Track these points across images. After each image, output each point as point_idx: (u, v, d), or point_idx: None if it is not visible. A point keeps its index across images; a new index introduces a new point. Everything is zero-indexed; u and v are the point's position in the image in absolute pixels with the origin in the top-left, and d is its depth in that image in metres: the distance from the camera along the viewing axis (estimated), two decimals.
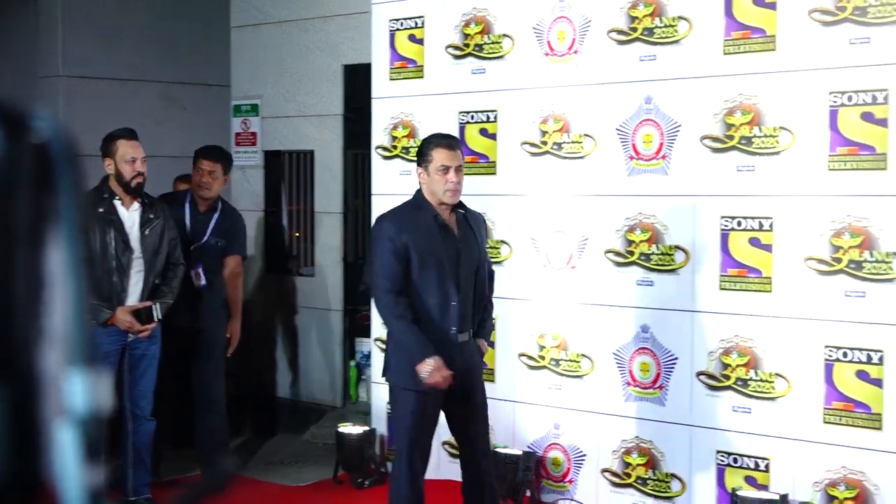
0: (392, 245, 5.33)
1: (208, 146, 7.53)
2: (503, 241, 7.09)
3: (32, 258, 1.06)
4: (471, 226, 5.54)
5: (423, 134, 7.29)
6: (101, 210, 6.29)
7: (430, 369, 5.25)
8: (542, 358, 6.99)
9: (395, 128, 7.58)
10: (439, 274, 5.37)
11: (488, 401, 5.79)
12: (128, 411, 6.54)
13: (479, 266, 5.51)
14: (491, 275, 5.69)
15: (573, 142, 6.79)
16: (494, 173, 7.18)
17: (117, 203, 6.39)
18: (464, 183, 5.51)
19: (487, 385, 6.97)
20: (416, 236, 5.37)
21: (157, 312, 6.56)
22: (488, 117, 7.19)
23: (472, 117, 7.26)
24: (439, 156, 5.38)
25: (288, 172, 9.28)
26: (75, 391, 1.07)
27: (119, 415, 6.51)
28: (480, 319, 5.61)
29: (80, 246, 1.09)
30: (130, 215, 6.47)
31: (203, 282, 7.26)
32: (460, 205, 5.54)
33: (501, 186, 7.13)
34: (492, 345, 7.09)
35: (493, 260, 6.95)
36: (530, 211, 7.01)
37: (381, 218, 5.69)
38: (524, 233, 7.01)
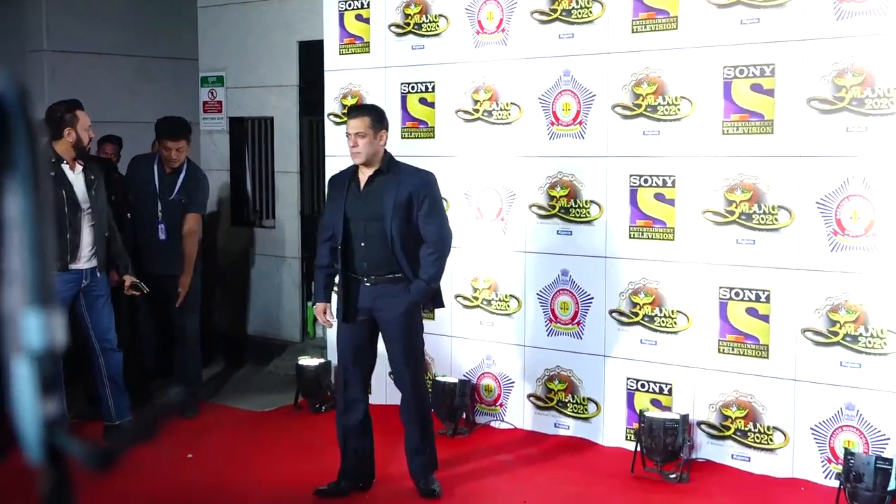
0: (328, 200, 5.58)
1: (169, 124, 7.25)
2: (441, 198, 7.04)
3: None
4: (391, 185, 5.41)
5: (370, 102, 7.25)
6: (52, 174, 6.06)
7: (317, 311, 5.63)
8: (476, 298, 6.99)
9: (344, 97, 7.50)
10: (345, 225, 5.42)
11: (432, 336, 5.78)
12: (97, 347, 6.44)
13: (384, 219, 5.37)
14: (432, 232, 5.45)
15: (501, 109, 6.76)
16: (433, 137, 7.14)
17: (65, 167, 6.22)
18: (376, 146, 5.37)
19: (428, 323, 6.95)
20: (335, 192, 5.53)
21: (131, 280, 6.65)
22: (427, 87, 7.13)
23: (413, 88, 7.20)
24: (347, 126, 5.45)
25: (250, 137, 9.17)
26: (31, 329, 1.04)
27: (87, 352, 6.40)
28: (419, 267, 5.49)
29: (35, 193, 1.05)
30: (76, 177, 6.32)
31: (164, 236, 7.22)
32: (389, 166, 5.44)
33: (439, 149, 7.08)
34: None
35: None
36: (464, 170, 6.97)
37: None
38: (459, 189, 6.98)
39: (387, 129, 5.48)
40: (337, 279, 5.59)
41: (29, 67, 9.23)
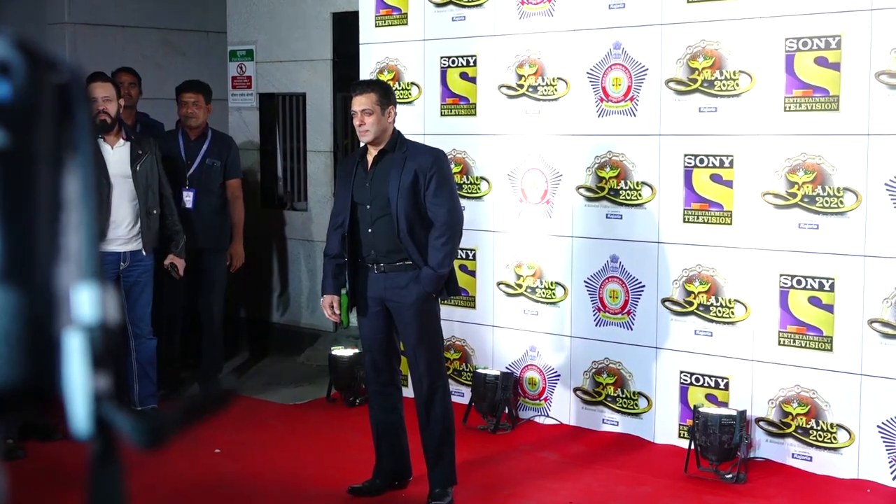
0: (336, 184, 5.69)
1: (186, 80, 7.70)
2: (483, 178, 7.07)
3: (54, 183, 1.10)
4: (397, 165, 5.44)
5: (408, 77, 7.34)
6: None
7: (324, 305, 5.67)
8: (520, 286, 6.99)
9: (380, 72, 7.51)
10: (352, 210, 5.48)
11: (472, 326, 5.78)
12: (130, 332, 6.62)
13: (389, 202, 5.40)
14: (439, 213, 5.40)
15: (547, 85, 6.75)
16: (474, 114, 7.14)
17: (99, 142, 6.34)
18: (385, 123, 5.42)
19: (468, 311, 7.04)
20: (343, 175, 5.60)
21: (179, 262, 6.92)
22: (468, 62, 7.13)
23: (453, 62, 7.20)
24: (352, 103, 5.46)
25: (281, 114, 9.20)
26: (84, 303, 1.09)
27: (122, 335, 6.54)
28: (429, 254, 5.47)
29: (92, 175, 1.13)
30: (116, 152, 6.45)
31: (190, 204, 7.41)
32: (396, 145, 5.48)
33: (481, 127, 7.09)
34: (472, 274, 7.10)
35: (473, 195, 6.97)
36: (508, 150, 6.97)
37: None
38: (502, 170, 6.99)
39: (395, 105, 5.54)
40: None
41: (49, 40, 9.30)
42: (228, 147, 7.77)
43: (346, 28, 8.37)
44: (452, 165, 6.65)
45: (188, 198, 7.43)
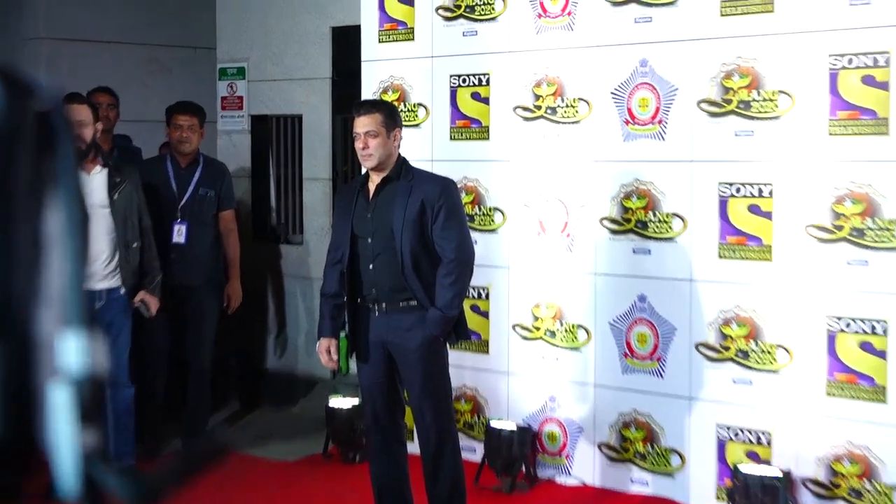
0: (335, 215, 5.66)
1: (180, 102, 7.69)
2: (496, 209, 7.03)
3: (32, 221, 1.10)
4: (402, 194, 5.45)
5: (414, 98, 7.34)
6: None
7: (320, 350, 5.62)
8: (538, 329, 6.94)
9: (384, 91, 7.50)
10: (352, 242, 5.46)
11: (485, 373, 5.73)
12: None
13: (393, 235, 5.40)
14: (448, 249, 5.40)
15: (567, 106, 6.72)
16: (487, 138, 7.11)
17: None
18: (390, 147, 5.48)
19: (480, 357, 6.99)
20: (342, 204, 5.59)
21: (152, 300, 6.81)
22: (480, 80, 7.11)
23: (464, 80, 7.18)
24: (354, 124, 5.46)
25: (275, 138, 9.21)
26: (71, 352, 1.08)
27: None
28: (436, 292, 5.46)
29: (77, 210, 1.13)
30: (92, 179, 6.45)
31: (182, 239, 7.38)
32: (401, 172, 5.50)
33: (494, 152, 7.05)
34: (484, 315, 7.05)
35: (486, 227, 6.95)
36: (524, 177, 6.93)
37: None
38: (518, 199, 6.95)
39: (401, 127, 5.57)
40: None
41: (23, 57, 9.32)
42: (222, 175, 7.78)
43: (346, 44, 8.36)
44: (463, 195, 6.65)
45: (180, 231, 7.41)
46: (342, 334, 5.65)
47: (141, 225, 6.77)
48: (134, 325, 6.81)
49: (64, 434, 1.07)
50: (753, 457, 6.13)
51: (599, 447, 6.73)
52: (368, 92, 7.60)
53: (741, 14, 6.03)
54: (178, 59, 9.87)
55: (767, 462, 6.05)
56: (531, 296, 6.94)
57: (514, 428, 6.76)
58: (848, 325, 5.80)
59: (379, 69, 7.57)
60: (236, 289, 7.77)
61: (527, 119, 6.92)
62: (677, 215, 6.35)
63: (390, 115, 5.49)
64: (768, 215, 6.02)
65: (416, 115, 7.38)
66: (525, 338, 6.99)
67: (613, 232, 6.59)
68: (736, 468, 5.96)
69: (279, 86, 8.92)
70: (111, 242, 6.56)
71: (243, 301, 7.93)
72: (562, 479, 6.86)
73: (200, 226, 7.54)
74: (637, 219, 6.49)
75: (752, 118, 6.03)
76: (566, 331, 6.82)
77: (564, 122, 6.75)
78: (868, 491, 5.80)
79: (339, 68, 8.65)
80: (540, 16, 6.81)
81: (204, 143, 7.88)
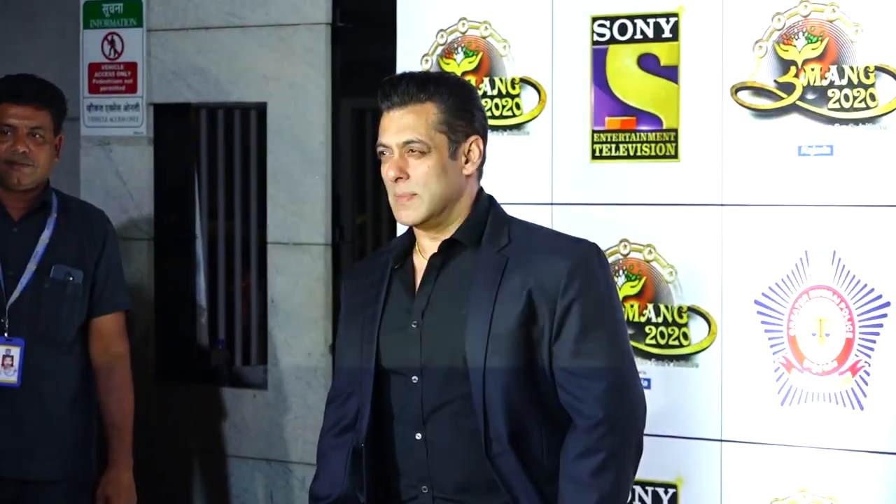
0: (342, 326, 3.75)
1: (10, 77, 4.88)
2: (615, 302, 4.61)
3: None
4: (492, 281, 3.35)
5: (516, 68, 5.00)
6: None
7: None
8: None
9: (448, 54, 5.05)
10: (377, 382, 3.44)
11: None
12: None
13: (471, 368, 3.27)
14: (587, 396, 3.27)
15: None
16: (675, 156, 4.50)
17: None
18: (454, 178, 3.30)
19: None
20: (357, 300, 3.64)
21: None
22: (659, 28, 4.49)
23: (623, 29, 4.60)
24: (381, 128, 3.43)
25: (207, 152, 5.97)
26: None
27: None
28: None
29: None
30: None
31: (16, 378, 4.83)
32: (484, 229, 3.42)
33: (691, 181, 4.44)
34: None
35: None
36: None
37: None
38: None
39: (482, 134, 3.39)
40: None
41: None
42: (98, 236, 4.93)
43: None
44: (619, 279, 4.60)
45: (8, 362, 4.79)
46: None
47: None
48: None
49: None
50: None
51: None
52: (411, 56, 5.06)
53: None
54: None
55: None
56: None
57: None
58: None
59: (436, 6, 4.99)
60: (125, 481, 4.85)
61: (765, 112, 4.32)
62: None
63: (456, 106, 3.32)
64: None
65: (518, 106, 4.89)
66: None
67: None
68: None
69: (217, 39, 5.65)
70: None
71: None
72: None
73: (51, 349, 4.72)
74: None
75: None
76: None
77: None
78: None
79: (345, 5, 5.61)
80: None
81: (58, 166, 5.03)
